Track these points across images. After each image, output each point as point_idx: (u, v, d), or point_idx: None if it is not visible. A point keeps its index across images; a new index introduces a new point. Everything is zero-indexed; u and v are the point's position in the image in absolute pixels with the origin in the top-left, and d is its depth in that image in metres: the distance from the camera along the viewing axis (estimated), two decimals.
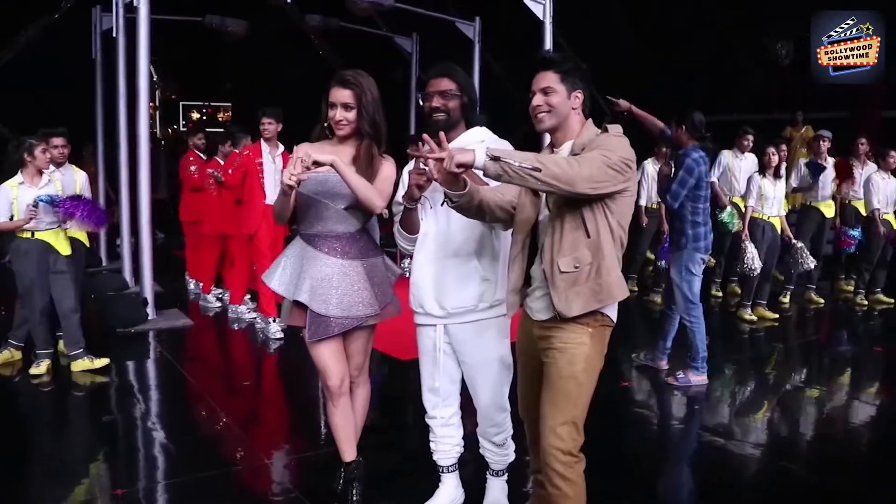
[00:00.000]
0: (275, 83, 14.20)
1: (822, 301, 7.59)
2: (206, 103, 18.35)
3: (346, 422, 2.97)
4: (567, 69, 2.38)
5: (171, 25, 9.06)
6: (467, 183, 2.30)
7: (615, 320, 2.39)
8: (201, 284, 7.29)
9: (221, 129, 12.08)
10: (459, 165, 2.12)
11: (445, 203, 2.38)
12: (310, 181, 2.76)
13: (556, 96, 2.36)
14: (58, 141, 5.22)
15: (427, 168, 2.30)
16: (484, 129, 2.75)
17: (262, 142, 5.97)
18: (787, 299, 7.45)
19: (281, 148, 6.01)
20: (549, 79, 2.37)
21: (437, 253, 2.71)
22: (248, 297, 6.65)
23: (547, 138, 2.51)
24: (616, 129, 2.35)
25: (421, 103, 2.72)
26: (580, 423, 2.32)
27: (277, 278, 2.88)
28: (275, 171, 5.86)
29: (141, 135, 6.21)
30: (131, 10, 6.29)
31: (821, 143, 7.45)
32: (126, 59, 6.87)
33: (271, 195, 5.81)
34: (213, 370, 5.40)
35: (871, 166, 7.58)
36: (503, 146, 2.63)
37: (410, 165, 2.71)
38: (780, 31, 11.02)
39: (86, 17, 8.50)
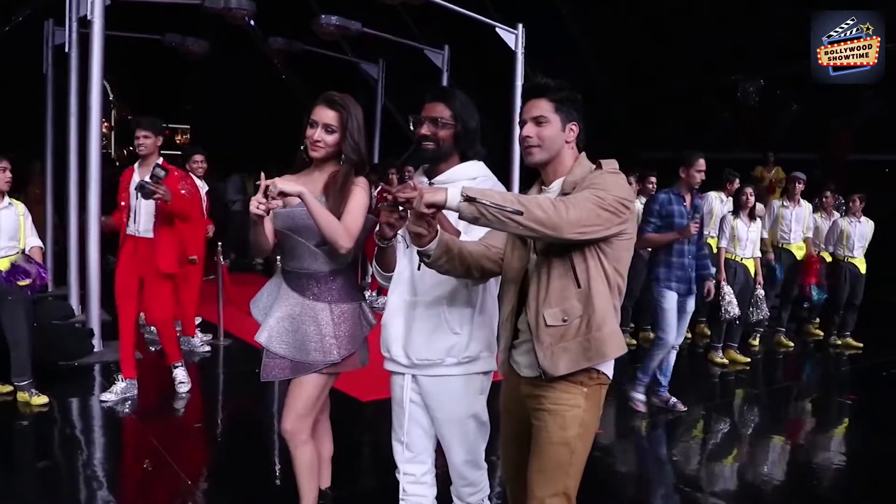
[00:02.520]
0: (235, 106, 14.03)
1: (791, 344, 7.59)
2: (164, 125, 18.02)
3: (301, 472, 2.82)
4: (563, 97, 2.20)
5: (129, 42, 8.83)
6: (438, 231, 2.11)
7: (611, 377, 2.22)
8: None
9: (179, 152, 11.85)
10: (430, 206, 1.94)
11: (420, 263, 2.20)
12: (280, 215, 2.66)
13: (549, 128, 2.19)
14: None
15: (396, 205, 2.15)
16: (479, 164, 2.56)
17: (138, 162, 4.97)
18: (756, 342, 7.44)
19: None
20: (542, 107, 2.19)
21: (410, 297, 2.53)
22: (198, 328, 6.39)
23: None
24: (611, 164, 2.19)
25: (412, 128, 2.55)
26: (573, 493, 2.14)
27: (261, 308, 2.85)
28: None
29: (92, 154, 5.95)
30: (85, 24, 6.07)
31: (795, 185, 7.49)
32: (79, 75, 6.61)
33: (133, 222, 4.86)
34: (162, 410, 5.12)
35: (836, 216, 7.74)
36: (495, 185, 2.47)
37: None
38: (748, 71, 11.23)
39: (37, 30, 8.20)
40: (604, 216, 2.03)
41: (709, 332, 7.31)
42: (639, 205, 6.76)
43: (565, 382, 2.13)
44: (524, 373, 2.23)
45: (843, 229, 7.58)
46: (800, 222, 7.52)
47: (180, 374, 5.21)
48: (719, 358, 6.68)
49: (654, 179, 7.28)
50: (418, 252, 2.15)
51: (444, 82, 9.44)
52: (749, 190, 6.54)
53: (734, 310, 6.24)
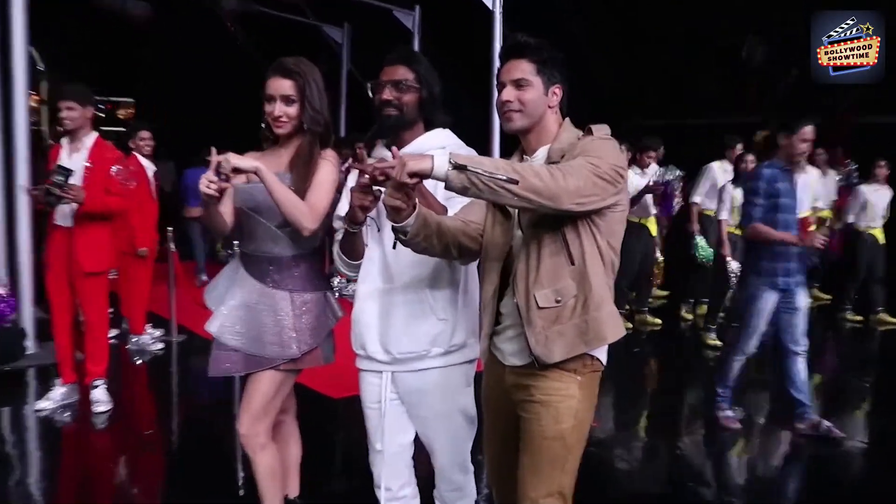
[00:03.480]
0: (184, 76, 13.81)
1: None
2: (105, 98, 17.74)
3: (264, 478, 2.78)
4: (545, 58, 2.16)
5: (62, 4, 8.62)
6: (416, 205, 2.05)
7: (605, 363, 2.20)
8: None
9: (123, 129, 11.65)
10: (413, 175, 1.89)
11: (395, 241, 2.15)
12: (239, 191, 2.63)
13: (530, 91, 2.14)
14: None
15: (370, 184, 2.12)
16: (447, 131, 2.53)
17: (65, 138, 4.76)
18: None
19: (86, 145, 4.59)
20: (522, 69, 2.14)
21: (384, 284, 2.48)
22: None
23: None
24: (602, 129, 2.14)
25: (371, 94, 2.49)
26: (568, 492, 2.12)
27: (215, 296, 2.81)
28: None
29: (17, 132, 5.78)
30: None
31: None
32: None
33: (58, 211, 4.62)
34: (108, 417, 5.01)
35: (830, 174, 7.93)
36: (468, 153, 2.42)
37: (352, 181, 2.48)
38: (751, 28, 11.26)
39: None
40: (600, 185, 2.00)
41: (687, 315, 7.48)
42: (637, 179, 6.81)
43: (557, 371, 2.10)
44: (509, 361, 2.20)
45: (868, 198, 7.68)
46: (806, 191, 7.57)
47: (99, 393, 4.85)
48: (711, 340, 6.73)
49: (653, 155, 7.27)
50: (393, 228, 2.10)
51: (416, 47, 9.35)
52: (750, 157, 6.58)
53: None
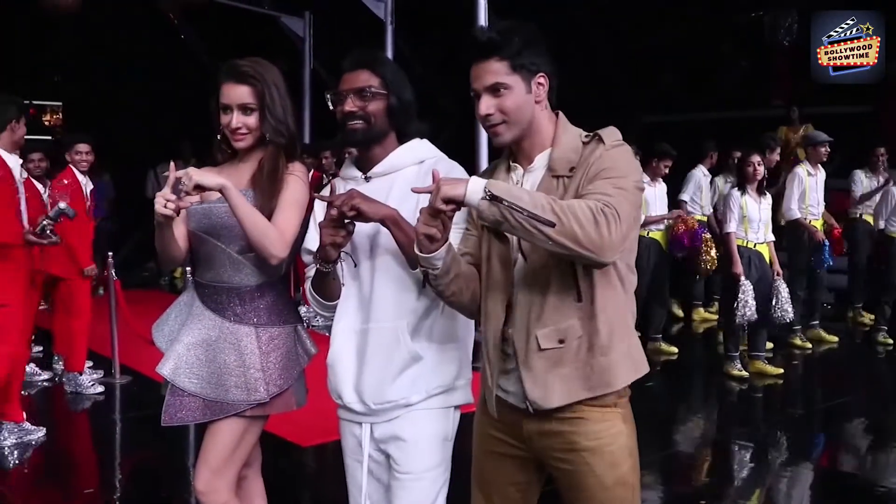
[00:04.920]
0: (120, 77, 13.78)
1: (834, 338, 7.93)
2: (28, 101, 17.67)
3: None
4: (518, 49, 2.08)
5: None
6: (448, 239, 2.04)
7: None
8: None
9: (49, 137, 11.62)
10: (448, 201, 1.91)
11: (426, 284, 2.16)
12: (194, 213, 2.62)
13: (510, 96, 2.09)
14: None
15: (340, 218, 2.15)
16: (424, 142, 2.54)
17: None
18: (801, 341, 7.77)
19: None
20: (494, 71, 2.08)
21: (361, 325, 2.49)
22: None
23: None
24: (613, 135, 2.12)
25: (331, 106, 2.51)
26: None
27: (166, 333, 2.78)
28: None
29: None
30: None
31: (818, 149, 7.83)
32: None
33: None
34: (39, 472, 5.02)
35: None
36: (452, 169, 2.44)
37: (319, 212, 2.49)
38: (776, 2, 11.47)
39: None
40: (635, 216, 2.00)
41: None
42: (647, 190, 6.94)
43: (596, 409, 2.10)
44: (524, 405, 2.15)
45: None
46: (820, 192, 7.82)
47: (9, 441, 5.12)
48: (737, 370, 6.75)
49: (670, 163, 7.49)
50: (421, 264, 2.10)
51: (389, 38, 9.41)
52: (756, 159, 6.64)
53: (751, 310, 6.35)
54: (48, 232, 4.96)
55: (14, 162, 5.13)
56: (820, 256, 7.57)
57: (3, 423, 5.13)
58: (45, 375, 6.67)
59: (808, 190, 7.70)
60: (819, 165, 7.83)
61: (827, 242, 7.64)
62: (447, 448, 2.53)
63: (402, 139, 2.51)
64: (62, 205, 4.75)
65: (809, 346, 7.87)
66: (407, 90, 2.49)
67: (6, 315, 4.97)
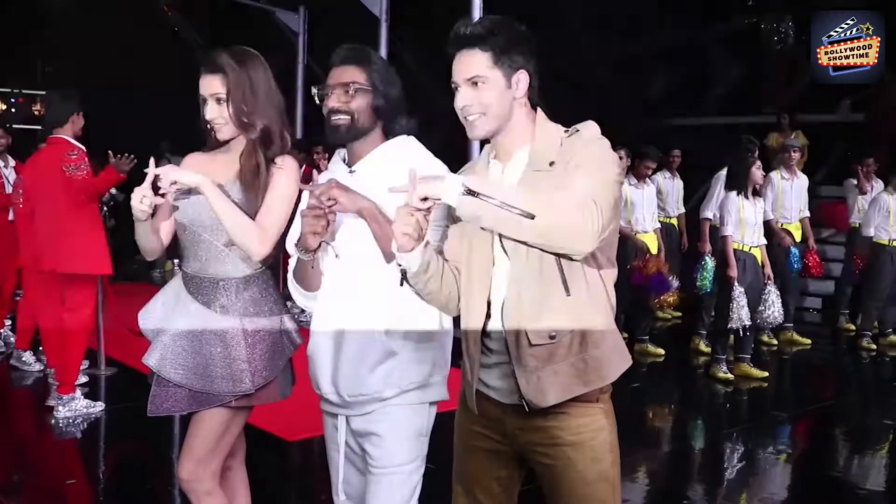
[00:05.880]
0: (112, 68, 13.73)
1: (807, 341, 8.03)
2: (17, 90, 17.63)
3: None
4: (501, 44, 2.10)
5: None
6: (425, 237, 2.06)
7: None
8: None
9: (39, 127, 11.55)
10: (425, 199, 1.94)
11: (402, 282, 2.16)
12: (182, 204, 2.65)
13: (489, 89, 2.11)
14: None
15: (321, 208, 2.18)
16: (409, 139, 2.54)
17: None
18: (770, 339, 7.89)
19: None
20: (475, 64, 2.10)
21: (338, 316, 2.51)
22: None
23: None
24: (591, 128, 2.15)
25: (317, 101, 2.52)
26: None
27: (153, 322, 2.79)
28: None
29: None
30: None
31: (791, 153, 8.00)
32: None
33: None
34: (22, 465, 5.01)
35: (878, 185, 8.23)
36: (437, 167, 2.46)
37: (305, 202, 2.50)
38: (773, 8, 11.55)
39: None
40: (614, 207, 2.04)
41: (706, 348, 7.52)
42: (633, 192, 6.98)
43: (578, 405, 2.12)
44: (510, 399, 2.18)
45: (891, 207, 7.91)
46: (799, 198, 7.86)
47: None
48: (723, 373, 6.79)
49: (652, 165, 7.52)
50: (398, 263, 2.11)
51: (383, 35, 9.43)
52: (760, 162, 6.70)
53: (745, 316, 6.38)
54: None
55: None
56: (787, 260, 7.59)
57: None
58: (38, 367, 6.65)
59: (780, 194, 7.82)
60: (797, 171, 7.96)
61: (795, 250, 7.67)
62: (422, 444, 2.55)
63: (389, 136, 2.52)
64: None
65: (775, 342, 8.02)
66: (395, 87, 2.50)
67: None
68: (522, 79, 2.15)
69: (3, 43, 14.16)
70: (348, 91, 2.43)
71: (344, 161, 2.56)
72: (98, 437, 5.55)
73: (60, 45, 14.78)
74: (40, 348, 6.27)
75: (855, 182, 8.65)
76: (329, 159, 8.16)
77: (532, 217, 1.88)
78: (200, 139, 2.81)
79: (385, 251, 2.30)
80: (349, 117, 2.44)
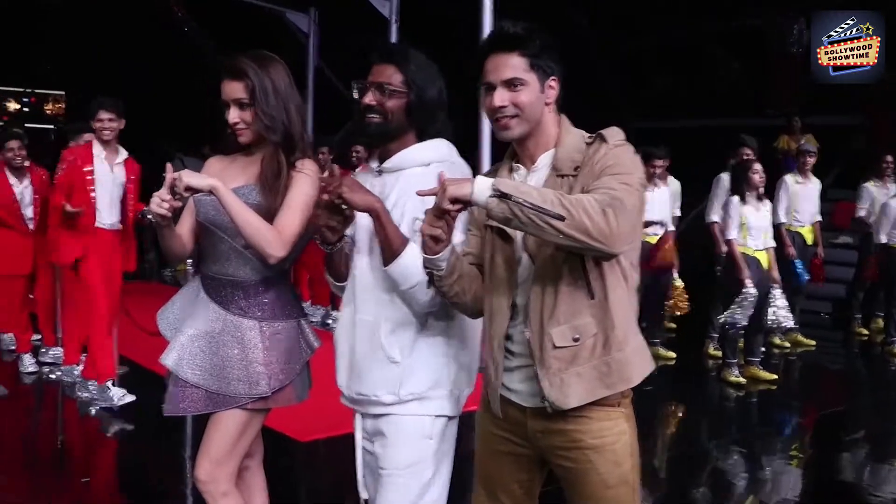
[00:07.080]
0: (124, 67, 13.77)
1: (812, 342, 8.07)
2: (30, 90, 17.64)
3: None
4: (538, 50, 2.14)
5: None
6: (450, 236, 2.08)
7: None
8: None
9: (51, 126, 11.59)
10: (454, 201, 1.96)
11: (430, 284, 2.19)
12: (202, 204, 2.66)
13: (526, 91, 2.13)
14: None
15: (331, 203, 2.20)
16: (439, 142, 2.51)
17: (96, 144, 5.75)
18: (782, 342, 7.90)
19: (122, 154, 5.80)
20: (514, 66, 2.13)
21: (353, 312, 2.51)
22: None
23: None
24: (616, 134, 2.15)
25: (356, 96, 2.52)
26: None
27: (170, 321, 2.82)
28: (112, 184, 5.72)
29: None
30: None
31: (806, 157, 8.03)
32: None
33: (105, 215, 5.75)
34: (35, 462, 5.03)
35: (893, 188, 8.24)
36: (465, 170, 2.46)
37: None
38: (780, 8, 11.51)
39: None
40: (640, 210, 2.07)
41: (716, 352, 7.50)
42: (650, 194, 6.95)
43: (600, 408, 2.13)
44: (530, 403, 2.20)
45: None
46: (812, 202, 7.87)
47: None
48: (735, 377, 6.78)
49: (660, 164, 7.39)
50: (426, 266, 2.14)
51: (393, 36, 9.42)
52: (760, 166, 6.69)
53: (741, 318, 6.43)
54: None
55: None
56: (792, 268, 7.55)
57: None
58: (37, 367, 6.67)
59: (794, 197, 7.86)
60: (810, 175, 7.98)
61: (799, 262, 7.63)
62: (427, 446, 2.49)
63: (423, 137, 2.49)
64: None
65: (787, 345, 8.04)
66: (432, 88, 2.46)
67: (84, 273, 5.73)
68: (554, 86, 2.19)
69: (21, 40, 14.19)
70: (383, 90, 2.42)
71: (379, 159, 2.55)
72: (111, 436, 5.55)
73: (73, 46, 14.83)
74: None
75: (871, 185, 8.61)
76: (332, 160, 8.15)
77: (562, 219, 1.89)
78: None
79: (385, 252, 2.30)
80: (382, 117, 2.43)
